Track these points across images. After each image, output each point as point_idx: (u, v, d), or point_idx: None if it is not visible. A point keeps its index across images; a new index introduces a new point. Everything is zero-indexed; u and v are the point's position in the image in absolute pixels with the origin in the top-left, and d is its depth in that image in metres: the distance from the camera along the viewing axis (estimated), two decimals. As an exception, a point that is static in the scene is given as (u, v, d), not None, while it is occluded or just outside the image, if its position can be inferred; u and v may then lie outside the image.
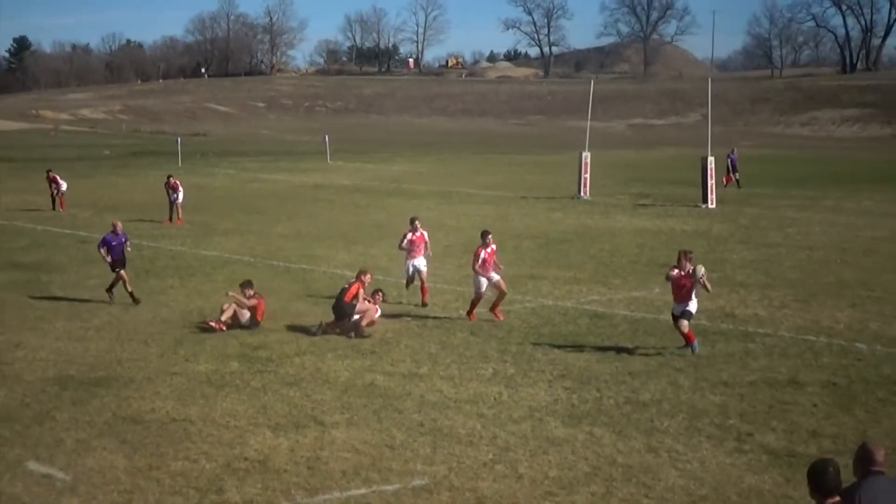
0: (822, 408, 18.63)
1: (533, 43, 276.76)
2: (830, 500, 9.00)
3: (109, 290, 28.30)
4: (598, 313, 26.93)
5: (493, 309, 26.06)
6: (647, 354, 22.51)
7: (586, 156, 58.84)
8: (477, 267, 25.84)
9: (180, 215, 47.15)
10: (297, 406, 18.85)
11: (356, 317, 24.46)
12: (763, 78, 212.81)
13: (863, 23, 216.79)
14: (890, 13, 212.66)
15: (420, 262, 28.65)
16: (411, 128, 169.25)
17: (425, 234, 29.42)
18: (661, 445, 16.61)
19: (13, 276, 33.23)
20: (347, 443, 16.79)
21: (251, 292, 25.49)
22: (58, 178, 53.56)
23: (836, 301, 28.33)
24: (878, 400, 19.13)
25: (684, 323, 22.37)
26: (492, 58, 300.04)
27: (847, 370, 21.19)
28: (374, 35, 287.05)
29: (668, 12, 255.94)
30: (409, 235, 28.84)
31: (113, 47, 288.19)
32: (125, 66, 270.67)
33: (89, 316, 26.86)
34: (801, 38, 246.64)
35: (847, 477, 9.54)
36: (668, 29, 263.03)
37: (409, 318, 26.22)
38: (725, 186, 62.44)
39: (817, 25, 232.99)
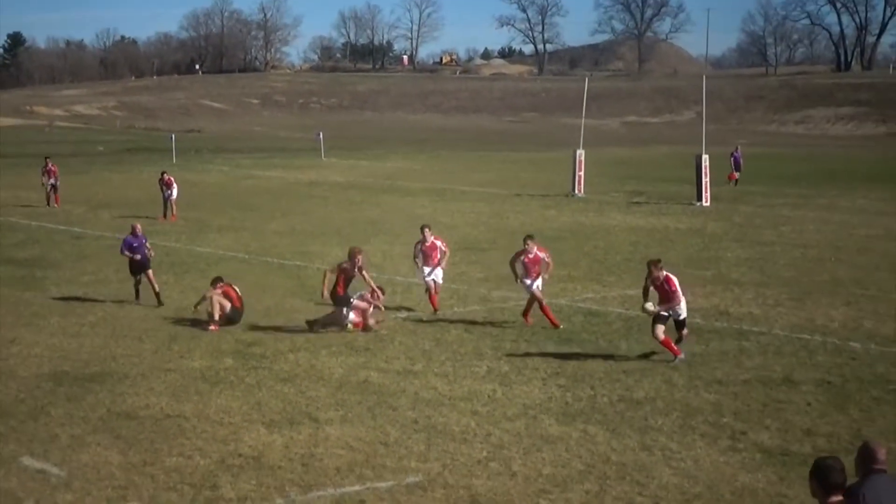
0: (816, 406, 18.66)
1: (527, 40, 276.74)
2: (834, 499, 8.98)
3: (136, 294, 28.17)
4: (592, 311, 26.96)
5: (524, 314, 25.41)
6: (641, 352, 22.52)
7: (580, 153, 58.83)
8: (516, 268, 25.30)
9: (174, 212, 47.17)
10: (292, 402, 18.87)
11: (351, 315, 24.49)
12: (758, 76, 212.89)
13: (857, 21, 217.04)
14: (885, 11, 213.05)
15: (437, 274, 27.06)
16: (405, 125, 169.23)
17: (439, 242, 27.49)
18: (655, 443, 16.63)
19: (8, 271, 33.23)
20: (342, 439, 16.80)
21: (221, 285, 25.56)
22: (55, 170, 53.45)
23: (831, 299, 28.37)
24: (872, 399, 19.15)
25: (660, 328, 21.65)
26: (486, 55, 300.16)
27: (841, 369, 21.22)
28: (369, 32, 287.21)
29: (663, 10, 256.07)
30: (420, 246, 27.33)
31: (107, 43, 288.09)
32: (119, 62, 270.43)
33: (84, 312, 26.87)
34: (795, 36, 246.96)
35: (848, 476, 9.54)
36: (663, 26, 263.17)
37: (403, 316, 26.22)
38: (735, 185, 62.40)
39: (812, 23, 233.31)
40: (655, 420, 17.84)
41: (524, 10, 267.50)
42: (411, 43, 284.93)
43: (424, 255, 27.07)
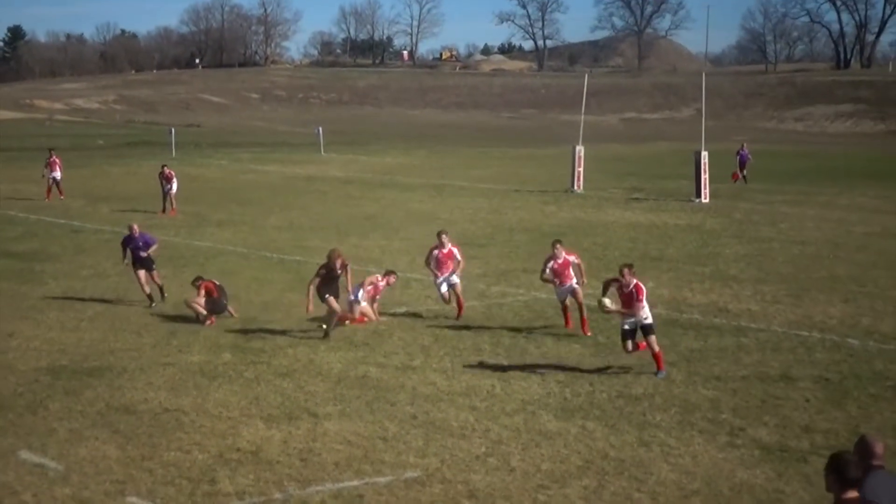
0: (814, 403, 18.66)
1: (527, 36, 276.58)
2: (850, 494, 8.92)
3: (149, 295, 27.26)
4: (590, 307, 26.87)
5: (581, 323, 24.08)
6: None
7: (580, 149, 58.83)
8: (546, 277, 24.43)
9: (174, 206, 47.15)
10: (290, 397, 18.86)
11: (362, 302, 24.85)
12: (757, 73, 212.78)
13: (857, 19, 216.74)
14: (884, 9, 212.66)
15: (453, 278, 25.74)
16: (405, 120, 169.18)
17: (455, 250, 26.04)
18: (654, 439, 16.63)
19: (6, 265, 33.23)
20: (340, 434, 16.81)
21: (201, 283, 25.57)
22: (59, 161, 53.46)
23: (829, 296, 28.36)
24: (869, 395, 19.15)
25: (634, 340, 20.84)
26: (486, 51, 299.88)
27: (839, 365, 21.22)
28: (369, 27, 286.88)
29: (663, 6, 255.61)
30: (436, 252, 25.85)
31: (107, 37, 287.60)
32: (119, 56, 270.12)
33: (82, 306, 26.86)
34: (795, 34, 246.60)
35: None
36: (663, 23, 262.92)
37: (402, 311, 26.20)
38: (745, 182, 62.35)
39: (811, 21, 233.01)
40: (654, 416, 17.84)
41: (524, 6, 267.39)
42: (411, 38, 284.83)
43: (438, 261, 25.67)
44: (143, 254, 27.51)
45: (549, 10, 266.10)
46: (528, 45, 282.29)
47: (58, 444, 16.41)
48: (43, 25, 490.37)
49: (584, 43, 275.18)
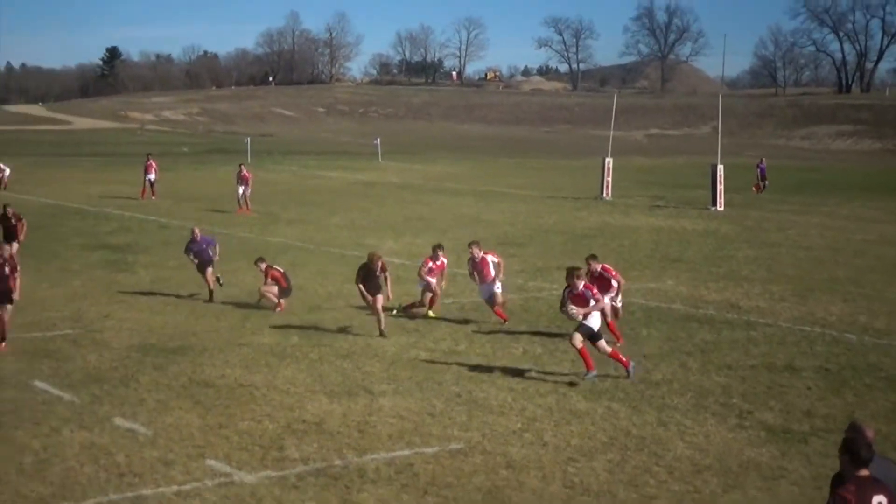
0: (815, 391, 18.55)
1: (563, 60, 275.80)
2: (863, 472, 8.84)
3: (212, 291, 26.46)
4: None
5: (612, 328, 22.02)
6: (659, 339, 22.46)
7: (609, 161, 58.77)
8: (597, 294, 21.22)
9: (249, 205, 47.26)
10: (350, 376, 18.93)
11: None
12: (768, 95, 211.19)
13: (858, 48, 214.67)
14: (882, 40, 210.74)
15: (496, 286, 24.13)
16: (453, 133, 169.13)
17: (490, 257, 24.43)
18: (671, 420, 16.59)
19: (103, 255, 33.53)
20: (393, 409, 16.86)
21: (263, 265, 25.54)
22: (154, 165, 53.83)
23: (830, 296, 28.15)
24: (865, 385, 19.02)
25: (591, 342, 19.30)
26: (526, 72, 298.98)
27: (838, 358, 21.08)
28: (422, 50, 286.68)
29: (684, 35, 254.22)
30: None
31: (192, 57, 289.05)
32: (202, 73, 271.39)
33: (168, 292, 27.08)
34: (802, 61, 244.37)
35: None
36: (684, 50, 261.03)
37: (449, 302, 26.19)
38: (757, 194, 62.11)
39: (817, 50, 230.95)
40: (671, 399, 17.79)
41: (560, 34, 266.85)
42: (459, 60, 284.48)
43: (478, 271, 24.22)
44: (214, 257, 26.99)
45: (582, 36, 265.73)
46: (563, 67, 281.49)
47: (147, 412, 16.56)
48: (137, 46, 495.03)
49: (614, 66, 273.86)
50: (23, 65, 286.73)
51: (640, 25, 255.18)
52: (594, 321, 19.26)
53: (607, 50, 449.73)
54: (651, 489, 13.63)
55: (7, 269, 20.92)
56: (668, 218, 48.32)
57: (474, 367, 19.76)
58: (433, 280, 24.60)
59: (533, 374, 19.38)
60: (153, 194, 52.82)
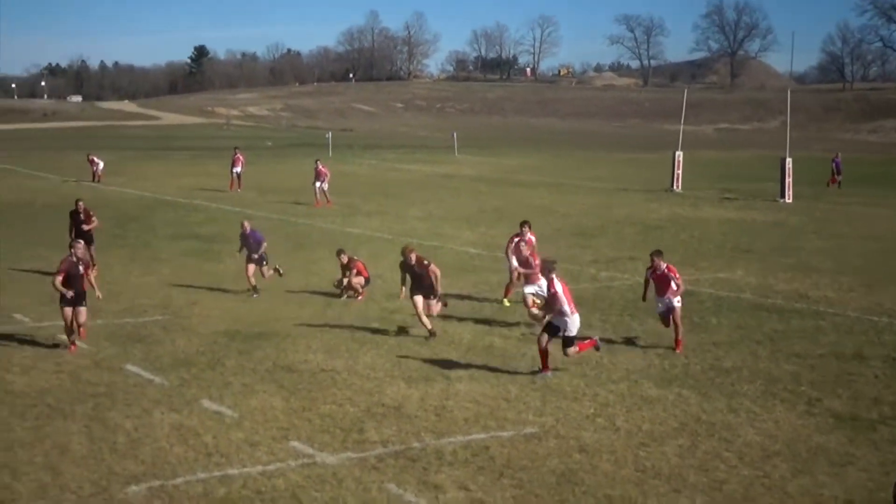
0: (882, 379, 18.24)
1: (634, 56, 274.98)
2: None
3: (254, 286, 25.56)
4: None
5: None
6: (729, 328, 22.22)
7: (679, 155, 58.38)
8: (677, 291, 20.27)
9: (328, 198, 47.12)
10: (427, 362, 18.94)
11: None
12: (836, 90, 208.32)
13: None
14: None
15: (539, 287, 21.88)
16: (527, 127, 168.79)
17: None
18: (741, 406, 16.41)
19: (191, 245, 33.90)
20: (469, 394, 16.85)
21: (345, 257, 25.49)
22: (241, 159, 54.33)
23: (898, 286, 27.69)
24: (933, 373, 18.68)
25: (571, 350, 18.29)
26: (598, 68, 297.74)
27: (906, 347, 20.73)
28: (497, 47, 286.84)
29: (753, 31, 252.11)
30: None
31: (276, 55, 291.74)
32: (286, 71, 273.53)
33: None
34: (869, 57, 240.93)
35: None
36: (753, 46, 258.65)
37: (518, 291, 26.02)
38: (828, 187, 61.38)
39: (884, 45, 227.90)
40: (741, 386, 17.59)
41: (632, 31, 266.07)
42: (534, 57, 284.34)
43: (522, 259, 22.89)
44: (255, 255, 25.76)
45: (653, 33, 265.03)
46: (634, 63, 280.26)
47: (233, 395, 16.70)
48: (223, 45, 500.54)
49: (684, 62, 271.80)
50: (115, 63, 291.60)
51: (710, 22, 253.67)
52: (573, 327, 18.06)
53: (677, 46, 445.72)
54: (721, 474, 13.49)
55: (81, 268, 19.93)
56: (738, 210, 47.82)
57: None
58: (514, 261, 23.64)
59: (605, 361, 19.26)
60: (239, 186, 53.29)
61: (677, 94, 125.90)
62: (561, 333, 18.14)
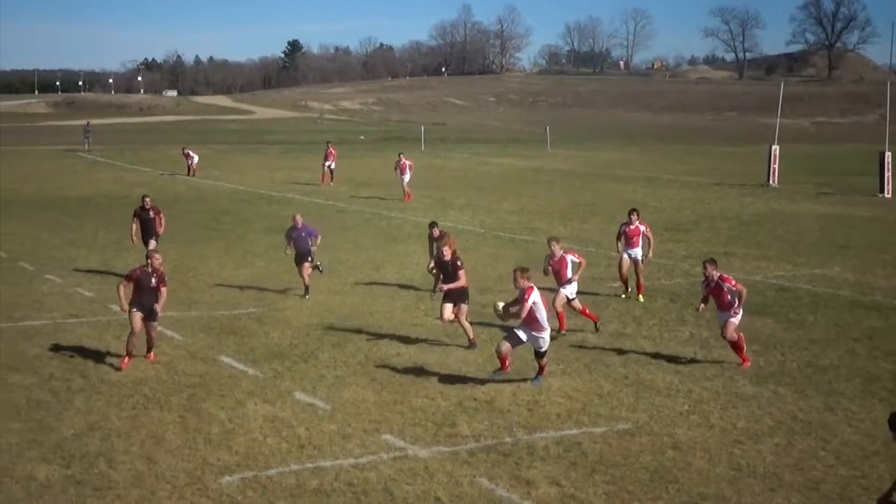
0: None
1: (729, 49, 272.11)
2: None
3: (307, 286, 24.50)
4: (783, 287, 26.23)
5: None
6: (826, 325, 21.85)
7: (775, 149, 57.60)
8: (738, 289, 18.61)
9: (407, 191, 46.80)
10: (519, 356, 18.85)
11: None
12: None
13: None
14: None
15: (570, 289, 21.15)
16: (620, 121, 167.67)
17: (570, 256, 21.22)
18: (838, 405, 16.12)
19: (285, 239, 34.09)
20: (562, 390, 16.78)
21: (437, 231, 24.73)
22: (334, 152, 54.71)
23: None
24: None
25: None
26: (692, 61, 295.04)
27: None
28: (590, 41, 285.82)
29: (851, 23, 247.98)
30: (548, 260, 21.30)
31: (368, 50, 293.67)
32: (378, 65, 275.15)
33: (346, 274, 27.46)
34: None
35: None
36: (851, 38, 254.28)
37: (616, 285, 25.86)
38: None
39: None
40: (839, 385, 17.29)
41: (727, 23, 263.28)
42: (627, 50, 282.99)
43: (555, 271, 21.26)
44: (312, 247, 24.55)
45: (749, 26, 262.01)
46: (729, 56, 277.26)
47: (326, 387, 16.81)
48: (316, 40, 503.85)
49: (780, 55, 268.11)
50: (210, 58, 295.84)
51: (807, 14, 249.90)
52: (544, 342, 17.03)
53: (773, 39, 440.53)
54: (817, 473, 13.26)
55: (155, 281, 18.13)
56: (835, 205, 47.03)
57: (641, 350, 19.54)
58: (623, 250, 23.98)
59: (699, 356, 19.07)
60: (331, 180, 53.69)
61: (773, 87, 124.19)
62: (536, 349, 17.14)
